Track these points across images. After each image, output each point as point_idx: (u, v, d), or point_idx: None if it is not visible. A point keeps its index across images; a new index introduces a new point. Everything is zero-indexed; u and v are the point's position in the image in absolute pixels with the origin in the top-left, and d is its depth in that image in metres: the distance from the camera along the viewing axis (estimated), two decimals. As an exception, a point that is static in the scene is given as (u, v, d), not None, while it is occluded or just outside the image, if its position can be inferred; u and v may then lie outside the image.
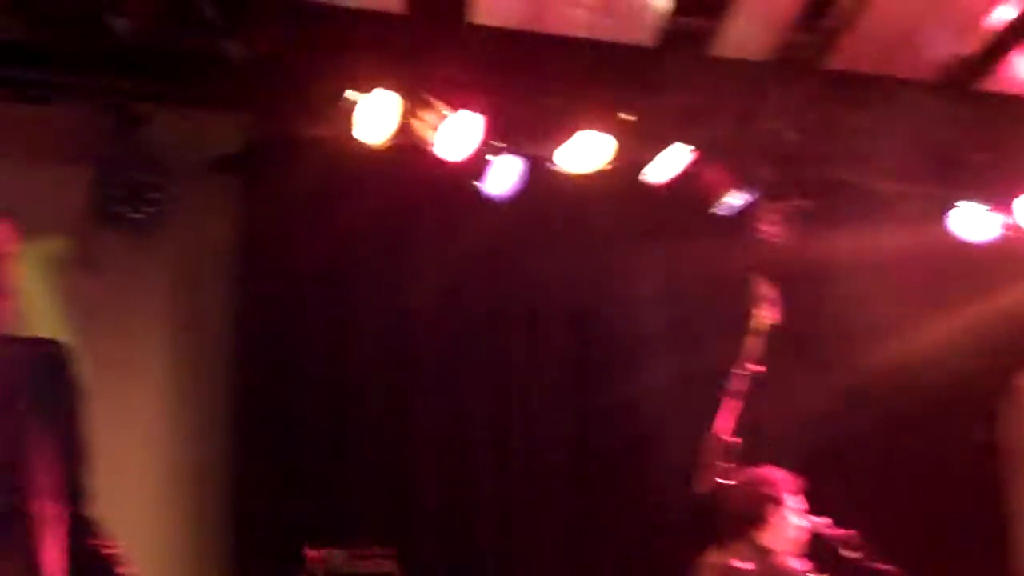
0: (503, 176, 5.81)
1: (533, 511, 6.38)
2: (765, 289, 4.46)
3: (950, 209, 6.47)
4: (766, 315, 4.42)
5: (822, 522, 5.30)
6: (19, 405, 3.43)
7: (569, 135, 5.74)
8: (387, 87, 5.32)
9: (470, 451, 6.35)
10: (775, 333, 4.40)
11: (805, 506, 5.39)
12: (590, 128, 5.70)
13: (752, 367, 4.25)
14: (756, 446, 4.51)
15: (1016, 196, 6.36)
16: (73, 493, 3.58)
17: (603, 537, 6.43)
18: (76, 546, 3.50)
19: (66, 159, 5.73)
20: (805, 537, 5.36)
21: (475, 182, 5.79)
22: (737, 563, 4.58)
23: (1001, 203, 6.42)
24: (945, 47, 5.96)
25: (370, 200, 6.13)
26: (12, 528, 3.47)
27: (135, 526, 4.95)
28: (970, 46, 5.99)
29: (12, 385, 3.36)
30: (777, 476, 5.39)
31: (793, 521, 5.38)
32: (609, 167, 5.86)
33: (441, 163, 5.57)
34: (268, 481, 6.01)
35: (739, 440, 4.12)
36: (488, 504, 6.34)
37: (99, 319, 5.25)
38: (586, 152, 5.77)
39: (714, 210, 6.14)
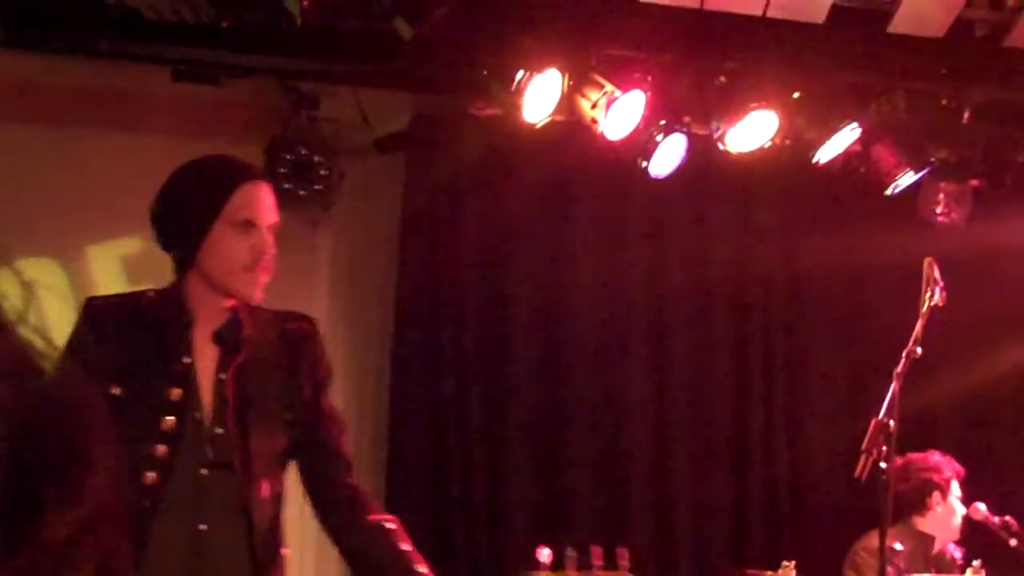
0: (668, 155, 5.92)
1: (688, 495, 6.51)
2: (934, 272, 4.50)
3: None
4: (935, 298, 4.46)
5: (979, 508, 5.35)
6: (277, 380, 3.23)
7: (736, 114, 5.82)
8: (553, 65, 5.49)
9: (624, 435, 6.49)
10: (943, 317, 4.44)
11: (962, 493, 5.46)
12: (759, 107, 5.78)
13: (917, 350, 4.31)
14: (915, 431, 4.56)
15: None
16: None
17: (759, 518, 6.53)
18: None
19: (236, 138, 5.97)
20: (961, 524, 5.43)
21: (640, 160, 5.91)
22: (896, 545, 4.66)
23: None
24: None
25: (533, 180, 6.33)
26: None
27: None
28: None
29: (270, 359, 3.21)
30: (941, 462, 5.47)
31: (955, 508, 5.44)
32: (777, 146, 5.95)
33: (605, 142, 5.71)
34: (417, 470, 6.25)
35: (897, 424, 4.18)
36: (642, 488, 6.48)
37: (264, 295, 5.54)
38: (754, 131, 5.85)
39: (887, 191, 6.16)
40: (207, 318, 3.15)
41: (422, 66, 5.54)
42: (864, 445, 4.20)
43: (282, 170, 5.84)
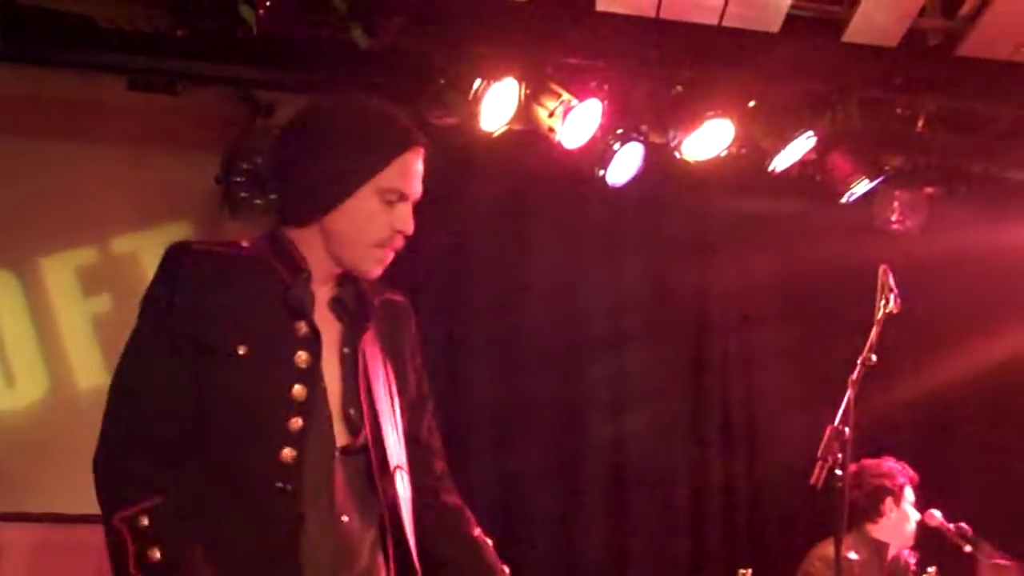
0: (624, 164, 5.96)
1: (644, 503, 6.54)
2: (889, 279, 4.52)
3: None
4: (890, 305, 4.48)
5: (934, 514, 5.41)
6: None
7: (692, 123, 5.87)
8: (510, 74, 5.52)
9: (579, 442, 6.51)
10: (898, 324, 4.47)
11: (915, 498, 5.51)
12: (715, 116, 5.83)
13: (872, 357, 4.34)
14: (871, 438, 4.61)
15: None
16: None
17: (716, 527, 6.58)
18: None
19: (193, 146, 6.02)
20: (915, 530, 5.49)
21: (597, 169, 5.94)
22: (850, 555, 4.70)
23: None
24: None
25: (491, 188, 6.35)
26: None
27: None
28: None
29: (384, 336, 2.82)
30: (894, 468, 5.52)
31: (909, 514, 5.50)
32: (729, 153, 6.00)
33: (562, 150, 5.74)
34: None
35: (852, 432, 4.21)
36: (603, 500, 6.51)
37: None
38: (710, 139, 5.90)
39: (842, 199, 6.22)
40: (320, 280, 2.73)
41: (379, 75, 5.55)
42: (820, 453, 4.22)
43: (238, 179, 5.81)
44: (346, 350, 2.72)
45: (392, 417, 2.74)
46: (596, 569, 6.32)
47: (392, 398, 2.78)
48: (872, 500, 5.54)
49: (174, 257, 2.64)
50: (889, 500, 5.56)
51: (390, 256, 2.76)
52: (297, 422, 2.55)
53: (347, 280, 2.79)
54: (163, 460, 2.51)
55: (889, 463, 5.61)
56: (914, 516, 5.59)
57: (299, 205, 2.71)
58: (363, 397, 2.67)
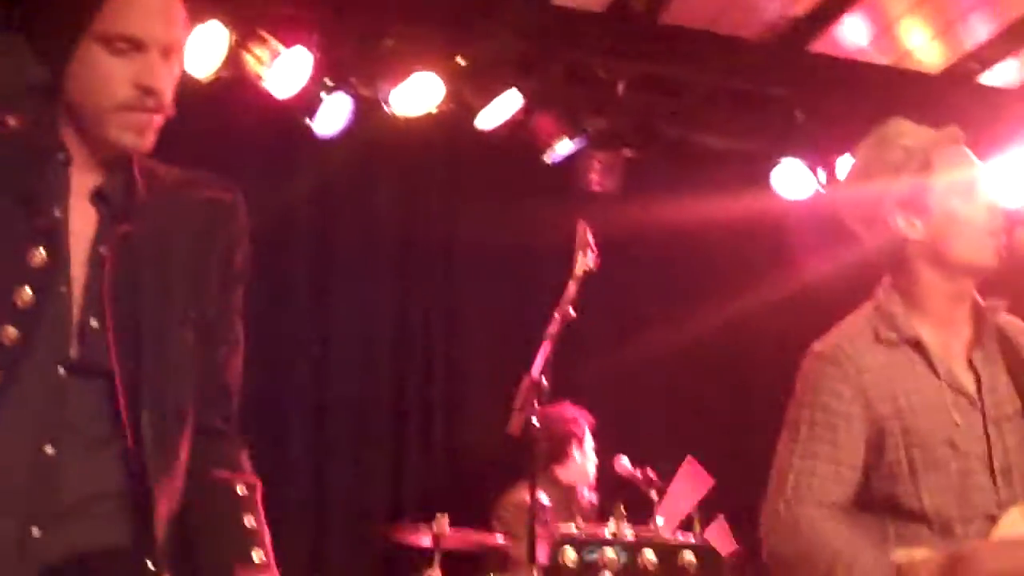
0: (333, 115, 5.94)
1: (345, 450, 6.56)
2: (587, 236, 4.63)
3: (774, 167, 6.84)
4: (586, 262, 4.59)
5: (622, 460, 5.62)
6: None
7: (402, 77, 5.89)
8: (215, 17, 5.41)
9: (283, 385, 6.45)
10: (593, 280, 4.60)
11: (595, 443, 5.73)
12: (423, 70, 5.87)
13: (568, 312, 4.46)
14: (563, 388, 4.75)
15: (838, 156, 6.75)
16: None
17: (414, 476, 6.65)
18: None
19: None
20: (596, 472, 5.70)
21: (305, 120, 5.90)
22: (542, 498, 4.82)
23: (823, 162, 6.81)
24: (776, 7, 6.24)
25: (198, 135, 6.19)
26: None
27: None
28: (800, 7, 6.29)
29: (173, 234, 2.37)
30: (574, 413, 5.72)
31: (590, 456, 5.72)
32: (440, 111, 6.05)
33: (271, 99, 5.67)
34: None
35: (548, 382, 4.33)
36: (303, 446, 6.48)
37: None
38: (418, 95, 5.94)
39: (544, 158, 6.37)
40: (84, 168, 2.30)
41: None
42: (517, 403, 4.33)
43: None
44: (101, 249, 2.27)
45: (162, 331, 2.32)
46: (297, 517, 6.29)
47: (173, 307, 2.36)
48: (559, 444, 5.73)
49: None
50: (574, 444, 5.75)
51: (149, 121, 2.28)
52: (10, 332, 2.15)
53: (119, 166, 2.34)
54: None
55: (570, 409, 5.78)
56: (593, 458, 5.81)
57: (40, 74, 2.28)
58: (108, 307, 2.23)
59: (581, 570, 2.12)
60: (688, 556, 2.10)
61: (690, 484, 5.48)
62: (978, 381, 2.95)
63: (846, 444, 2.86)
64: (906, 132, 3.04)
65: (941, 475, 2.84)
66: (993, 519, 2.83)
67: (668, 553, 2.06)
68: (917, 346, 2.94)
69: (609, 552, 2.14)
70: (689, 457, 5.44)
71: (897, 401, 2.88)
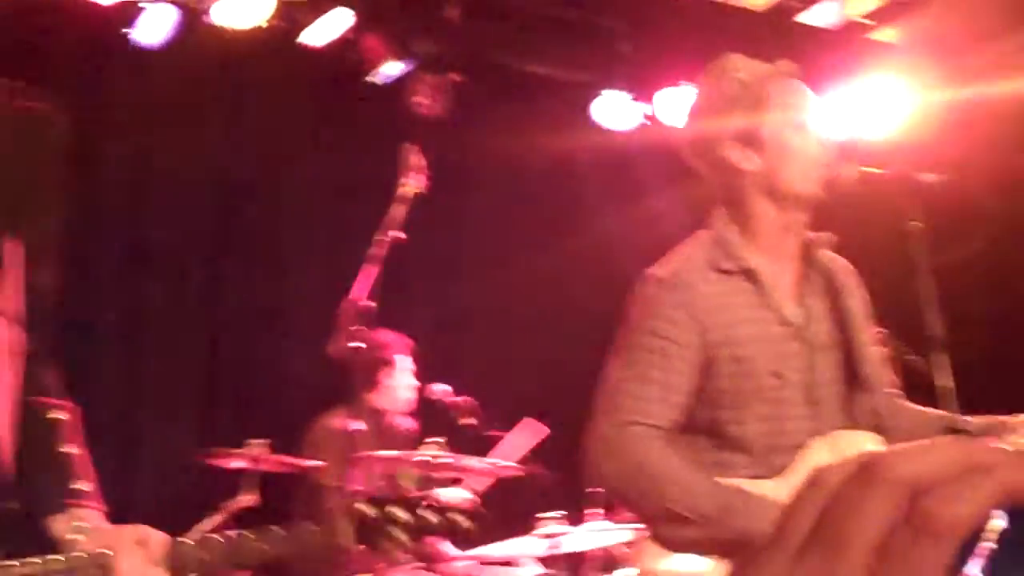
0: (155, 25, 5.77)
1: (155, 372, 6.43)
2: (414, 158, 4.61)
3: (596, 97, 6.89)
4: (413, 184, 4.57)
5: (439, 388, 5.63)
6: None
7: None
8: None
9: (93, 314, 6.28)
10: (420, 202, 4.58)
11: (415, 368, 5.72)
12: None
13: (395, 234, 4.44)
14: (390, 311, 4.73)
15: (659, 88, 6.84)
16: None
17: (231, 398, 6.57)
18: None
19: None
20: (415, 398, 5.70)
21: (125, 30, 5.72)
22: (351, 424, 4.83)
23: (647, 94, 6.89)
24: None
25: (7, 46, 5.95)
26: None
27: None
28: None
29: None
30: (389, 339, 5.69)
31: (403, 382, 5.71)
32: (268, 25, 5.92)
33: (92, 8, 5.48)
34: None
35: (374, 304, 4.32)
36: (111, 363, 6.34)
37: None
38: (244, 7, 5.79)
39: (371, 78, 6.30)
40: None
41: None
42: (340, 323, 4.31)
43: None
44: None
45: None
46: (105, 440, 6.15)
47: None
48: (369, 370, 5.69)
49: None
50: (385, 369, 5.72)
51: None
52: None
53: None
54: None
55: (384, 334, 5.72)
56: (408, 383, 5.76)
57: None
58: None
59: (372, 524, 2.23)
60: (462, 518, 2.27)
61: (524, 437, 5.55)
62: (804, 313, 3.05)
63: (678, 369, 2.91)
64: (742, 66, 3.09)
65: (764, 404, 2.93)
66: (803, 448, 2.93)
67: (446, 512, 2.22)
68: (751, 276, 3.01)
69: (397, 511, 2.26)
70: (526, 419, 5.50)
71: (729, 329, 2.95)
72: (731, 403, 2.93)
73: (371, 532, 2.25)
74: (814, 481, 0.67)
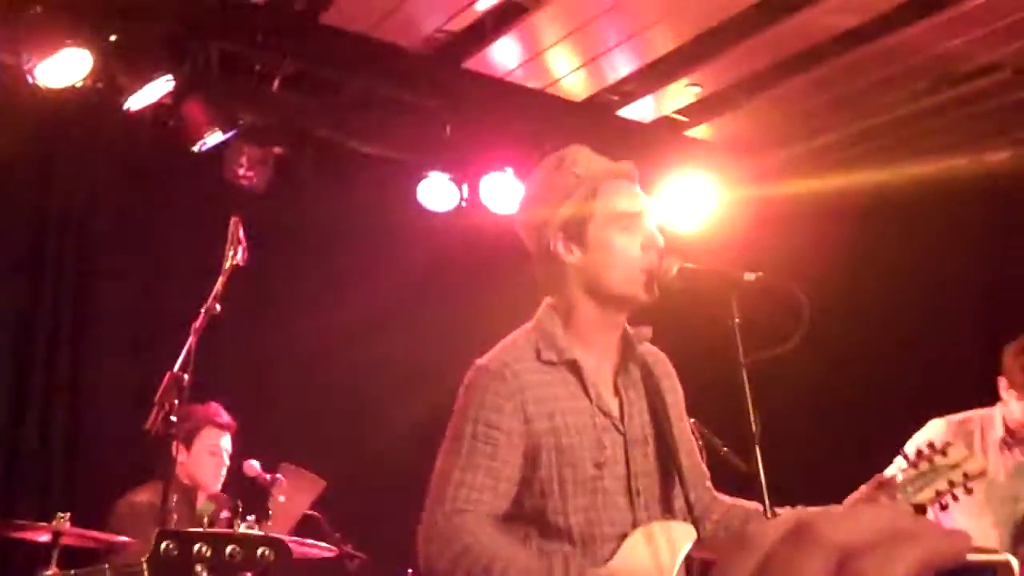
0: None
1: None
2: (238, 232, 4.56)
3: (422, 178, 6.94)
4: (235, 257, 4.52)
5: (252, 464, 5.53)
6: None
7: (48, 48, 5.60)
8: None
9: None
10: (242, 275, 4.53)
11: (231, 445, 5.61)
12: (73, 44, 5.61)
13: (214, 307, 4.38)
14: (209, 384, 4.65)
15: (482, 173, 6.91)
16: None
17: (33, 469, 6.35)
18: None
19: None
20: (224, 473, 5.58)
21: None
22: (146, 498, 4.68)
23: (466, 177, 6.96)
24: (435, 21, 6.31)
25: None
26: None
27: None
28: (458, 24, 6.38)
29: None
30: (202, 411, 5.56)
31: (210, 456, 5.58)
32: (88, 87, 5.79)
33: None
34: None
35: (189, 377, 4.23)
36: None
37: None
38: (66, 67, 5.66)
39: (194, 148, 6.21)
40: None
41: None
42: (157, 397, 4.21)
43: None
44: None
45: None
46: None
47: None
48: (183, 443, 5.54)
49: None
50: (194, 442, 5.55)
51: None
52: None
53: None
54: None
55: (198, 407, 5.55)
56: (219, 459, 5.61)
57: None
58: None
59: (177, 562, 2.22)
60: (265, 550, 2.30)
61: (297, 488, 5.45)
62: (621, 406, 3.10)
63: (506, 458, 2.94)
64: (581, 160, 3.14)
65: (587, 495, 2.96)
66: (623, 538, 2.98)
67: (249, 545, 2.23)
68: (573, 368, 3.05)
69: (201, 547, 2.27)
70: (284, 464, 5.41)
71: (554, 419, 2.98)
72: (554, 492, 2.95)
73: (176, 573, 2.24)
74: (745, 544, 0.68)
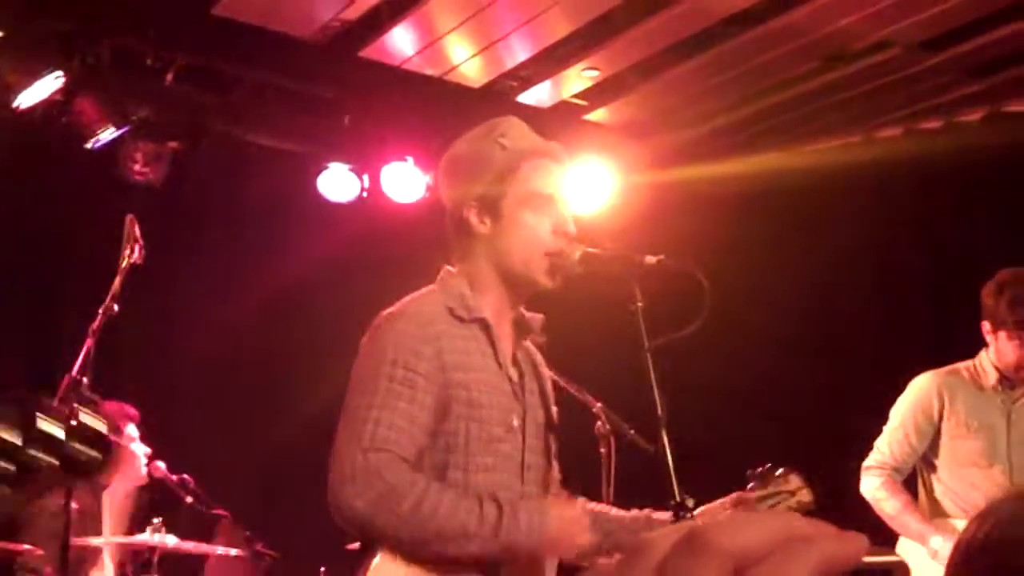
0: None
1: None
2: (134, 230, 4.47)
3: (322, 169, 6.86)
4: (132, 256, 4.43)
5: (159, 465, 5.46)
6: None
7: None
8: None
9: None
10: (140, 273, 4.44)
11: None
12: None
13: (112, 306, 4.28)
14: (111, 385, 4.56)
15: (383, 162, 6.86)
16: None
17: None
18: None
19: None
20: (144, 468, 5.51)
21: None
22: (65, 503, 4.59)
23: (367, 168, 6.90)
24: (329, 10, 6.23)
25: None
26: None
27: None
28: (353, 12, 6.30)
29: None
30: (113, 408, 5.47)
31: (132, 450, 5.50)
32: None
33: None
34: None
35: (88, 380, 4.14)
36: None
37: None
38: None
39: (88, 144, 6.08)
40: None
41: None
42: (55, 402, 4.10)
43: None
44: None
45: None
46: None
47: None
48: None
49: None
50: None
51: None
52: None
53: None
54: None
55: (108, 404, 5.47)
56: (137, 452, 5.54)
57: None
58: None
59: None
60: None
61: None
62: (521, 377, 3.08)
63: (422, 403, 2.84)
64: (511, 133, 3.10)
65: (490, 455, 2.92)
66: None
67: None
68: (484, 326, 3.01)
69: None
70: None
71: (467, 373, 2.92)
72: (459, 447, 2.88)
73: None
74: (638, 551, 0.67)
